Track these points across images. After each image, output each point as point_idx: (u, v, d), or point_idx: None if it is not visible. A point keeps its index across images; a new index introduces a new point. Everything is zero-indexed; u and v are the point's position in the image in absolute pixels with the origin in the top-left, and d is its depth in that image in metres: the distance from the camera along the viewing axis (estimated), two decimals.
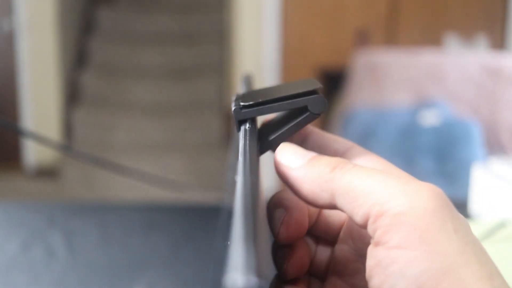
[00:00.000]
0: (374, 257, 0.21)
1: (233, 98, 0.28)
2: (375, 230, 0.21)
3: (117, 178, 2.68)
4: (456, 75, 2.22)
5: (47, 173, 3.16)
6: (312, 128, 0.28)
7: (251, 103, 0.26)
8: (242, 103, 0.26)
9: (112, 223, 0.59)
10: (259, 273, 0.14)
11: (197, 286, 0.47)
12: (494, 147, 2.08)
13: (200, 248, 0.54)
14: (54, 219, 0.60)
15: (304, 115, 0.26)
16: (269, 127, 0.28)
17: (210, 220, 0.60)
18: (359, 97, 2.34)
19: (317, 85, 0.26)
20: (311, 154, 0.25)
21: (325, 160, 0.24)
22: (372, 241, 0.22)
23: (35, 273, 0.49)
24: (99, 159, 0.61)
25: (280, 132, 0.26)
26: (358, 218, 0.22)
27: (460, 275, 0.19)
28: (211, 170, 2.98)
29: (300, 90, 0.26)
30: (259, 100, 0.26)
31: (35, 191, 3.00)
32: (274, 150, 0.26)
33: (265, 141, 0.26)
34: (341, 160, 0.24)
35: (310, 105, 0.26)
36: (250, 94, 0.28)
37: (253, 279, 0.14)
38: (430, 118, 2.02)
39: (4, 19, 3.13)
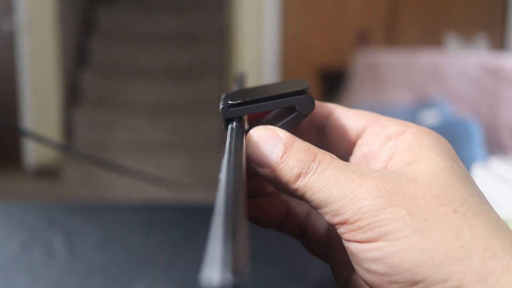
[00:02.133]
0: (348, 251, 0.23)
1: (222, 96, 0.27)
2: (341, 233, 0.23)
3: (117, 178, 2.68)
4: (456, 75, 2.22)
5: (47, 173, 3.16)
6: None
7: (239, 101, 0.26)
8: (230, 102, 0.26)
9: (112, 223, 0.59)
10: (235, 270, 0.14)
11: (197, 286, 0.47)
12: (494, 147, 2.08)
13: (200, 248, 0.54)
14: (54, 219, 0.60)
15: (292, 115, 0.26)
16: (261, 123, 0.28)
17: (210, 220, 0.60)
18: (359, 97, 2.34)
19: (306, 85, 0.26)
20: (278, 150, 0.24)
21: (292, 161, 0.24)
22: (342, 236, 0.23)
23: (35, 273, 0.49)
24: (99, 159, 0.61)
25: None
26: (325, 220, 0.23)
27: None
28: (211, 170, 2.98)
29: (289, 90, 0.26)
30: (247, 99, 0.26)
31: (35, 191, 3.00)
32: None
33: None
34: (307, 162, 0.24)
35: (298, 105, 0.26)
36: (239, 92, 0.28)
37: (229, 276, 0.14)
38: (430, 118, 2.02)
39: (4, 19, 3.13)
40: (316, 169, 0.23)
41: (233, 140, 0.24)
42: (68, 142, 3.26)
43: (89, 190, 2.94)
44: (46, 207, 0.63)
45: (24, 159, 3.25)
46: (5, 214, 0.62)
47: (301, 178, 0.23)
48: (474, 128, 1.94)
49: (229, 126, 0.25)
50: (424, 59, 2.31)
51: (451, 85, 2.22)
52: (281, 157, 0.24)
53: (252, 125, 0.28)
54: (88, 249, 0.53)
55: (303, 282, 0.49)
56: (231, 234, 0.16)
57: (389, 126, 0.27)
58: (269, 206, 0.29)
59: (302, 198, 0.24)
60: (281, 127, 0.26)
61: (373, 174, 0.23)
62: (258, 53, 3.19)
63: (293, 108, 0.26)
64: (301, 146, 0.24)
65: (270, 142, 0.24)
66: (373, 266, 0.21)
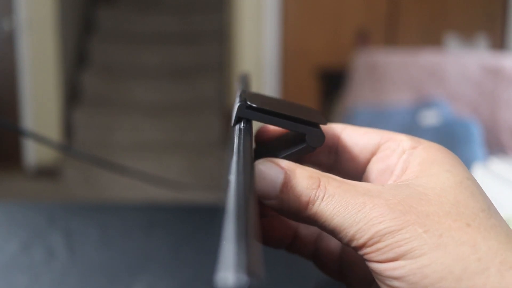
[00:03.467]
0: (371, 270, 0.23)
1: (238, 92, 0.27)
2: (360, 254, 0.23)
3: (117, 178, 2.68)
4: (456, 75, 2.22)
5: (47, 173, 3.16)
6: None
7: (258, 106, 0.25)
8: (248, 102, 0.25)
9: (112, 223, 0.59)
10: (250, 271, 0.14)
11: (197, 286, 0.47)
12: (494, 147, 2.08)
13: (200, 248, 0.54)
14: (54, 219, 0.60)
15: (300, 147, 0.26)
16: (268, 145, 0.28)
17: (210, 220, 0.60)
18: (359, 97, 2.34)
19: (323, 121, 0.26)
20: (281, 180, 0.24)
21: (297, 190, 0.24)
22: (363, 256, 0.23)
23: (35, 273, 0.49)
24: (99, 159, 0.61)
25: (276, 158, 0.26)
26: (343, 243, 0.23)
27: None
28: (211, 170, 2.98)
29: (306, 118, 0.26)
30: (265, 108, 0.25)
31: (35, 191, 3.00)
32: None
33: (261, 156, 0.26)
34: (313, 189, 0.23)
35: (309, 135, 0.25)
36: (258, 97, 0.28)
37: (244, 278, 0.13)
38: (430, 118, 2.02)
39: (4, 19, 3.13)
40: (324, 196, 0.23)
41: (242, 140, 0.23)
42: (68, 142, 3.26)
43: (89, 190, 2.94)
44: (46, 207, 0.63)
45: (24, 159, 3.25)
46: (5, 214, 0.62)
47: (310, 207, 0.23)
48: (474, 128, 1.94)
49: (237, 127, 0.25)
50: (424, 59, 2.31)
51: (451, 85, 2.22)
52: (286, 187, 0.24)
53: (259, 147, 0.28)
54: (88, 249, 0.53)
55: (303, 282, 0.49)
56: (244, 235, 0.15)
57: (403, 140, 0.27)
58: (275, 228, 0.29)
59: (314, 225, 0.24)
60: (286, 157, 0.25)
61: (383, 195, 0.23)
62: (258, 53, 3.19)
63: (303, 138, 0.26)
64: (303, 173, 0.24)
65: (272, 173, 0.24)
66: (396, 284, 0.22)
